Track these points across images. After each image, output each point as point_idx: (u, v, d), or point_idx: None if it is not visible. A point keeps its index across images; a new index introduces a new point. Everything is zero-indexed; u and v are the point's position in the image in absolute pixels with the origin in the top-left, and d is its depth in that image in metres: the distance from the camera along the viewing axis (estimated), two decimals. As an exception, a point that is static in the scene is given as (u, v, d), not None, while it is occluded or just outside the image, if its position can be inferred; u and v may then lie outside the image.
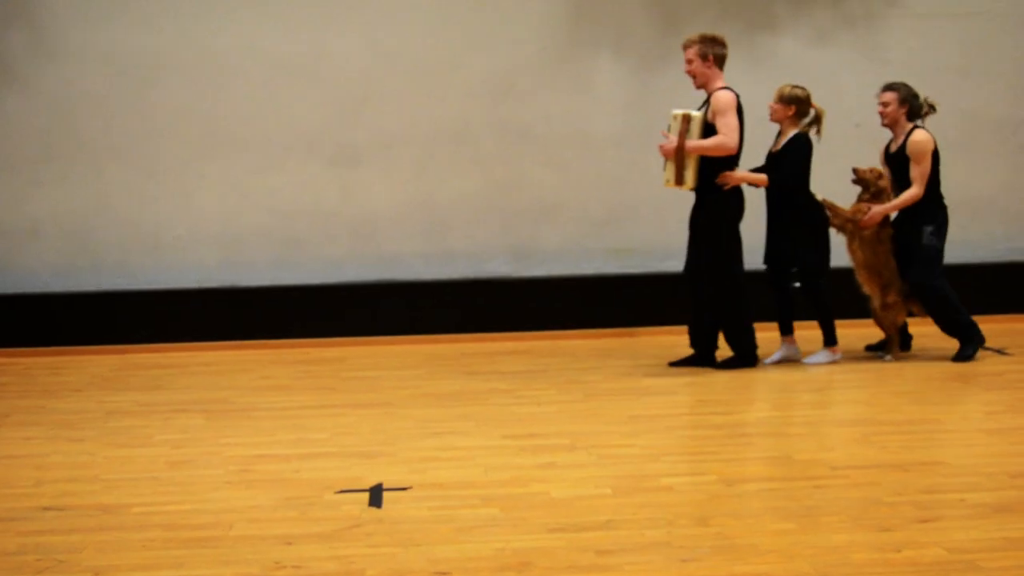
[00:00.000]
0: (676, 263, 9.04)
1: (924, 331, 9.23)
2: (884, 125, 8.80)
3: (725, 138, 8.34)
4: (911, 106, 8.70)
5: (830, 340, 8.83)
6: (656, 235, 10.29)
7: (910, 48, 10.56)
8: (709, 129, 8.42)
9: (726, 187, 8.48)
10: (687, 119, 8.40)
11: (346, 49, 10.37)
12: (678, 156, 8.41)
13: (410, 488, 5.79)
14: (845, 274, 8.99)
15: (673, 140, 8.41)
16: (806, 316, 9.01)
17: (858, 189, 8.86)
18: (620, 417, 7.34)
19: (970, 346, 8.79)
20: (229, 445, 6.78)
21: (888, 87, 8.77)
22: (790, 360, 8.84)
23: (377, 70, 10.41)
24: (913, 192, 8.63)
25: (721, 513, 5.30)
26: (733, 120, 8.37)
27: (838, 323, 8.89)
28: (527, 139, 10.52)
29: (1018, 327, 10.16)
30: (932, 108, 8.79)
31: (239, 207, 10.41)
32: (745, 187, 8.64)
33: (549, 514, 5.33)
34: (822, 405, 7.63)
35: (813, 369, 8.62)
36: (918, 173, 8.63)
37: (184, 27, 10.24)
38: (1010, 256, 10.78)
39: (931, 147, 8.65)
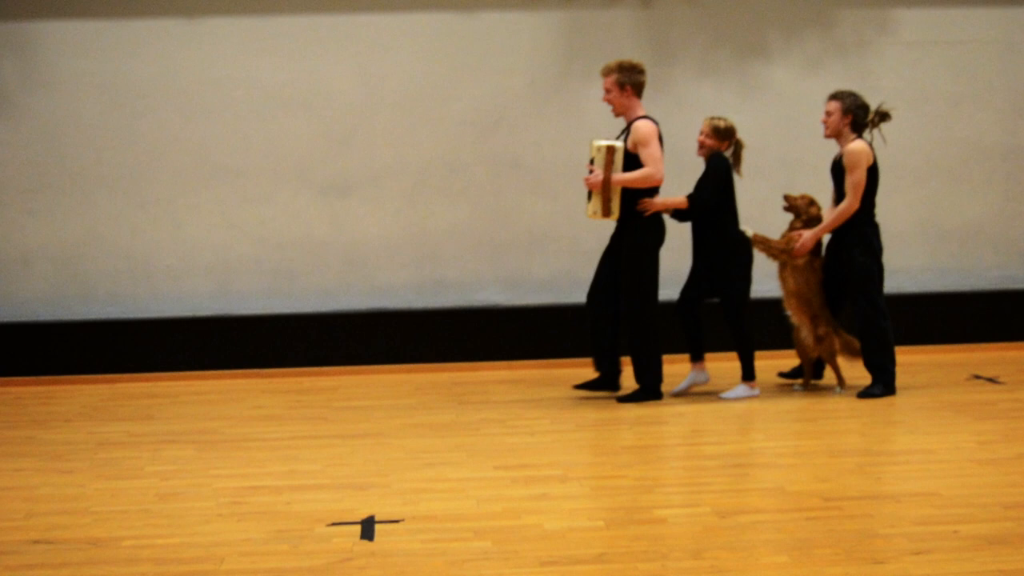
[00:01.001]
0: (668, 291, 9.02)
1: (908, 359, 9.23)
2: (826, 136, 8.59)
3: (652, 170, 8.37)
4: (855, 116, 8.47)
5: (748, 374, 8.72)
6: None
7: (901, 76, 10.59)
8: (629, 158, 8.43)
9: (646, 214, 8.49)
10: (611, 151, 8.39)
11: (337, 79, 10.39)
12: (604, 188, 8.41)
13: (402, 520, 5.76)
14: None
15: (599, 173, 8.41)
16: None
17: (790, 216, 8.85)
18: (613, 447, 7.32)
19: (878, 387, 8.53)
20: (220, 477, 6.75)
21: (833, 96, 8.55)
22: (698, 385, 8.79)
23: (368, 100, 10.42)
24: (845, 204, 8.43)
25: (715, 546, 5.28)
26: (656, 151, 8.40)
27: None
28: (518, 169, 10.54)
29: (1010, 355, 10.17)
30: (884, 116, 8.56)
31: (230, 237, 10.41)
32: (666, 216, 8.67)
33: (542, 547, 5.31)
34: (814, 435, 7.60)
35: (802, 399, 8.61)
36: (851, 184, 8.40)
37: (175, 57, 10.25)
38: (1002, 284, 10.78)
39: (865, 158, 8.41)
